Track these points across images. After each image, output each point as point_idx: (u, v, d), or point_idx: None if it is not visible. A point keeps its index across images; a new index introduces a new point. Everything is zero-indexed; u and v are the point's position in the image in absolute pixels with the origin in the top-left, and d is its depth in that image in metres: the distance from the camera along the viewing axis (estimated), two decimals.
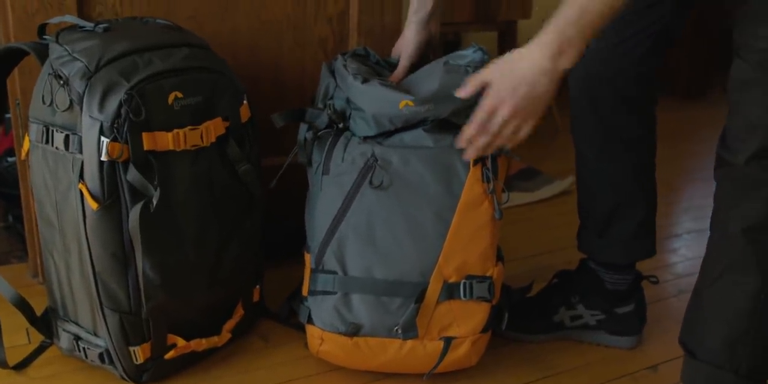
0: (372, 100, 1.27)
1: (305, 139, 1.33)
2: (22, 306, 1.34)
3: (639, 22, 1.31)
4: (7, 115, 1.54)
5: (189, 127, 1.21)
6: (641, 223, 1.43)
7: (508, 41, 2.07)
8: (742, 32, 1.10)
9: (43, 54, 1.23)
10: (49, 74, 1.20)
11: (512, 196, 2.15)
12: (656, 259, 1.87)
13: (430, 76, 1.29)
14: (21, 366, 1.35)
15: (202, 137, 1.23)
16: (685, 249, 1.99)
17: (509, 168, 2.18)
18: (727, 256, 1.18)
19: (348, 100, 1.31)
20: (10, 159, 1.72)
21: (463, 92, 1.17)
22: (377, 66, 1.42)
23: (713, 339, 1.21)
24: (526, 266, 1.77)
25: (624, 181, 1.41)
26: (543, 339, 1.50)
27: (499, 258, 1.36)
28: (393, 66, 1.43)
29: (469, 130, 1.18)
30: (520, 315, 1.49)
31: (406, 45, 1.38)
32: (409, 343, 1.30)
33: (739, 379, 1.20)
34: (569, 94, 1.41)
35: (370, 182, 1.27)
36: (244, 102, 1.32)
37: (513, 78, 1.10)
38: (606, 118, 1.36)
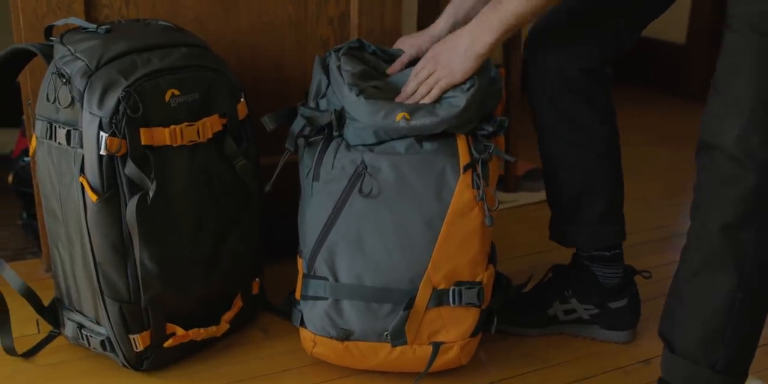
0: (368, 113, 1.27)
1: (297, 134, 1.34)
2: (30, 297, 1.40)
3: (588, 26, 1.37)
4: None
5: (185, 123, 1.26)
6: (605, 210, 1.45)
7: (512, 47, 2.09)
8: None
9: (48, 54, 1.29)
10: (53, 73, 1.26)
11: (520, 195, 2.20)
12: (661, 256, 1.88)
13: None
14: (29, 354, 1.40)
15: (198, 133, 1.28)
16: None
17: (517, 169, 2.23)
18: (704, 251, 1.17)
19: (343, 108, 1.31)
20: (26, 159, 1.78)
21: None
22: (374, 58, 1.42)
23: (690, 336, 1.20)
24: (531, 262, 1.79)
25: (584, 167, 1.44)
26: (537, 333, 1.52)
27: (492, 260, 1.36)
28: (390, 56, 1.43)
29: (407, 81, 1.34)
30: (515, 309, 1.51)
31: (431, 35, 1.41)
32: (399, 347, 1.32)
33: (715, 375, 1.19)
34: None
35: (360, 190, 1.27)
36: (242, 100, 1.36)
37: (441, 43, 1.34)
38: (560, 107, 1.41)
